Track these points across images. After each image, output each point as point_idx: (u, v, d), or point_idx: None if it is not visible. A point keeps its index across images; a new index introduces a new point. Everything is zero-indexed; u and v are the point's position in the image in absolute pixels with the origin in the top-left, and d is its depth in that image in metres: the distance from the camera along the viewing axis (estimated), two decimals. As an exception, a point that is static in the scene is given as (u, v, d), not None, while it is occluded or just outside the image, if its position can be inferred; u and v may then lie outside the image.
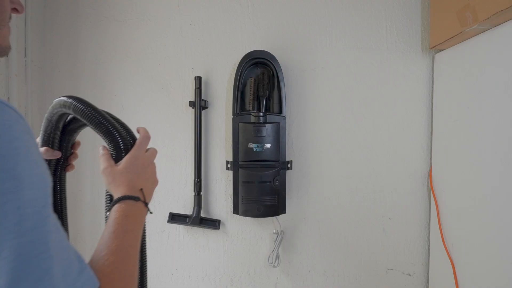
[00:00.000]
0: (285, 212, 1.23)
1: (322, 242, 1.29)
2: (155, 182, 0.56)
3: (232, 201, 1.26)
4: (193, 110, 1.29)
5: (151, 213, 0.51)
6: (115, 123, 0.54)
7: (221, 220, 1.30)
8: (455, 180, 1.07)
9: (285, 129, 1.22)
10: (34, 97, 1.32)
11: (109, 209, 0.47)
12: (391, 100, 1.26)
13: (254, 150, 1.16)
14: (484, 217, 0.92)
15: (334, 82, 1.27)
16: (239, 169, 1.19)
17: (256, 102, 1.22)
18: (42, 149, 0.60)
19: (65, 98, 0.55)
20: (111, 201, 0.52)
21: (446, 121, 1.12)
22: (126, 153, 0.54)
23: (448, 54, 1.12)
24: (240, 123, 1.19)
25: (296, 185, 1.29)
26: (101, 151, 0.55)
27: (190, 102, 1.27)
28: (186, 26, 1.32)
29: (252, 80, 1.23)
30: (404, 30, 1.25)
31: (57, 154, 0.60)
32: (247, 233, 1.31)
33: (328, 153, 1.28)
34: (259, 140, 1.16)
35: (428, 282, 1.26)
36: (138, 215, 0.48)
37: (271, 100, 1.23)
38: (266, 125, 1.17)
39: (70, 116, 0.61)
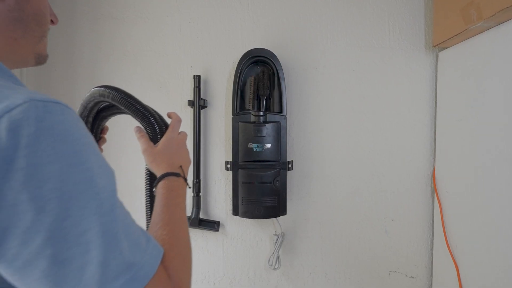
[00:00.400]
0: (285, 213, 1.23)
1: (324, 243, 1.29)
2: (189, 161, 0.63)
3: (231, 202, 1.26)
4: (192, 109, 1.29)
5: (189, 187, 0.58)
6: (151, 109, 0.61)
7: (220, 222, 1.30)
8: (459, 181, 1.07)
9: (286, 128, 1.22)
10: (30, 96, 1.32)
11: (155, 185, 0.55)
12: (393, 99, 1.26)
13: (254, 150, 1.16)
14: (489, 219, 0.92)
15: (336, 80, 1.27)
16: (239, 170, 1.19)
17: (256, 101, 1.22)
18: None
19: (103, 88, 0.62)
20: (150, 178, 0.61)
21: (450, 120, 1.12)
22: (162, 135, 0.61)
23: (452, 52, 1.12)
24: (240, 123, 1.19)
25: (297, 186, 1.28)
26: (137, 133, 0.61)
27: (189, 101, 1.27)
28: (184, 24, 1.32)
29: (252, 78, 1.22)
30: (407, 28, 1.24)
31: None
32: (247, 235, 1.31)
33: (330, 153, 1.28)
34: (259, 140, 1.16)
35: (431, 285, 1.26)
36: (181, 189, 0.55)
37: (271, 99, 1.23)
38: (267, 124, 1.17)
39: (103, 104, 0.67)
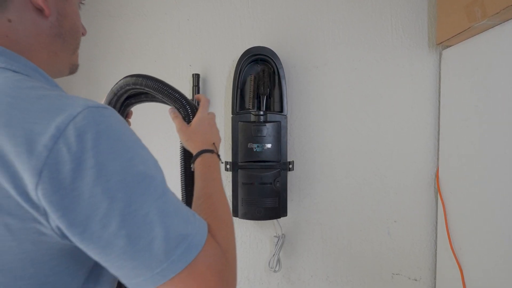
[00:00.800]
0: (286, 215, 1.23)
1: (325, 246, 1.29)
2: (220, 139, 0.70)
3: (231, 203, 1.26)
4: (191, 108, 1.29)
5: (222, 163, 0.65)
6: (182, 93, 0.68)
7: (220, 223, 1.30)
8: (463, 181, 1.06)
9: (286, 128, 1.22)
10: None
11: (192, 161, 0.63)
12: (396, 98, 1.26)
13: (254, 150, 1.16)
14: (494, 220, 0.91)
15: (337, 79, 1.27)
16: (239, 170, 1.19)
17: (256, 100, 1.22)
18: None
19: (135, 77, 0.68)
20: (185, 156, 0.68)
21: (454, 120, 1.12)
22: (193, 116, 0.67)
23: (456, 51, 1.11)
24: (239, 122, 1.19)
25: (297, 187, 1.28)
26: (172, 114, 0.69)
27: (187, 100, 1.27)
28: (183, 22, 1.31)
29: (252, 77, 1.22)
30: (410, 26, 1.24)
31: None
32: (247, 237, 1.31)
33: (331, 153, 1.28)
34: (259, 140, 1.16)
35: (435, 287, 1.26)
36: (216, 164, 0.62)
37: (271, 98, 1.23)
38: (267, 124, 1.17)
39: (132, 92, 0.73)
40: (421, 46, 1.24)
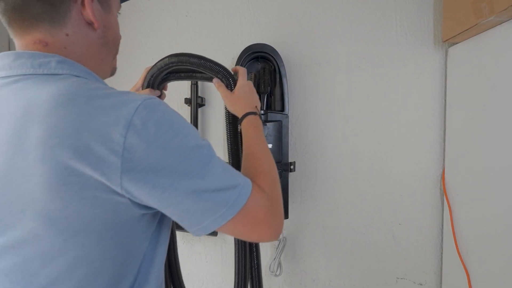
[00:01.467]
0: (287, 217, 1.22)
1: (327, 249, 1.29)
2: (259, 103, 0.82)
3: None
4: (189, 107, 1.29)
5: (265, 125, 0.76)
6: (223, 65, 0.81)
7: (219, 226, 1.30)
8: (470, 183, 1.06)
9: (288, 128, 1.22)
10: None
11: (239, 123, 0.76)
12: (401, 97, 1.26)
13: (255, 150, 1.16)
14: (502, 223, 0.91)
15: (340, 77, 1.27)
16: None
17: (256, 99, 1.22)
18: (146, 90, 0.87)
19: (180, 56, 0.79)
20: (230, 118, 0.84)
21: (460, 119, 1.12)
22: (234, 84, 0.80)
23: (463, 48, 1.11)
24: (239, 122, 1.19)
25: (299, 188, 1.28)
26: (217, 84, 0.82)
27: (185, 99, 1.27)
28: (181, 18, 1.31)
29: (252, 75, 1.22)
30: (415, 22, 1.24)
31: (157, 93, 0.89)
32: (247, 240, 1.31)
33: (334, 153, 1.28)
34: (259, 140, 1.16)
35: (440, 292, 1.26)
36: (259, 124, 0.75)
37: (272, 97, 1.23)
38: (267, 123, 1.17)
39: (173, 68, 0.84)
40: (426, 44, 1.24)
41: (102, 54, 0.58)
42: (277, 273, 1.26)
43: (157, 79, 0.87)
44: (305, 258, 1.29)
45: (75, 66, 0.52)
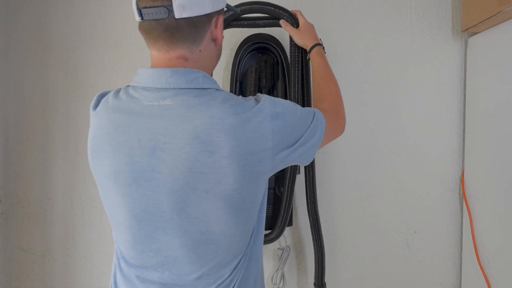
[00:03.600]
0: (291, 225, 1.23)
1: (335, 259, 1.29)
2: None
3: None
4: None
5: (325, 53, 1.00)
6: (286, 8, 1.03)
7: (216, 234, 1.30)
8: (492, 186, 1.06)
9: (292, 126, 1.22)
10: (-4, 89, 1.32)
11: (309, 52, 0.99)
12: (416, 92, 1.26)
13: (255, 151, 1.16)
14: (527, 230, 0.91)
15: (349, 71, 1.27)
16: (238, 174, 1.19)
17: (257, 94, 1.22)
18: None
19: (253, 4, 1.02)
20: (298, 50, 1.06)
21: (481, 116, 1.12)
22: (297, 23, 1.03)
23: (484, 38, 1.12)
24: (238, 119, 1.19)
25: (304, 192, 1.28)
26: (283, 23, 1.03)
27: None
28: (175, 6, 1.31)
29: (253, 68, 1.22)
30: (432, 10, 1.24)
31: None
32: (247, 249, 1.31)
33: (342, 154, 1.28)
34: (261, 139, 1.16)
35: (460, 306, 1.26)
36: (324, 54, 0.99)
37: (275, 92, 1.23)
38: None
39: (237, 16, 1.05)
40: (444, 34, 1.24)
41: (215, 64, 0.78)
42: (280, 286, 1.26)
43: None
44: (311, 270, 1.29)
45: (211, 79, 0.71)
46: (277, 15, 1.03)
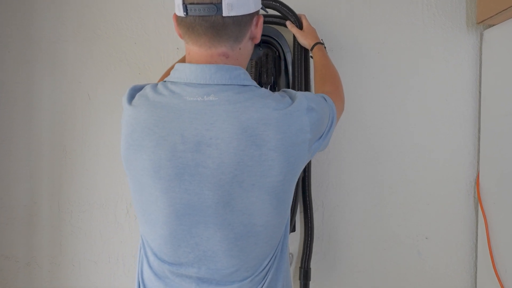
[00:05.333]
0: (294, 230, 1.23)
1: (341, 267, 1.29)
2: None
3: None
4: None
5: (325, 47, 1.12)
6: (293, 10, 1.18)
7: (213, 240, 1.30)
8: (509, 190, 1.06)
9: (295, 125, 1.22)
10: (-23, 85, 1.32)
11: (311, 49, 1.10)
12: (428, 89, 1.26)
13: (256, 151, 1.16)
14: (547, 236, 0.91)
15: (356, 65, 1.27)
16: (237, 176, 1.19)
17: (258, 91, 1.22)
18: None
19: (265, 0, 1.15)
20: (302, 49, 1.18)
21: (498, 115, 1.12)
22: (300, 25, 1.17)
23: (500, 31, 1.12)
24: (237, 118, 1.19)
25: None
26: (289, 24, 1.16)
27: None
28: (169, -4, 1.32)
29: (253, 63, 1.22)
30: (444, 1, 1.24)
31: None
32: (247, 257, 1.31)
33: (348, 154, 1.28)
34: (261, 139, 1.16)
35: (474, 318, 1.26)
36: (325, 50, 1.10)
37: (276, 88, 1.23)
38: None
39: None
40: (458, 26, 1.24)
41: (248, 61, 0.82)
42: (282, 296, 1.27)
43: None
44: (315, 278, 1.29)
45: (250, 76, 0.76)
46: (286, 15, 1.16)
